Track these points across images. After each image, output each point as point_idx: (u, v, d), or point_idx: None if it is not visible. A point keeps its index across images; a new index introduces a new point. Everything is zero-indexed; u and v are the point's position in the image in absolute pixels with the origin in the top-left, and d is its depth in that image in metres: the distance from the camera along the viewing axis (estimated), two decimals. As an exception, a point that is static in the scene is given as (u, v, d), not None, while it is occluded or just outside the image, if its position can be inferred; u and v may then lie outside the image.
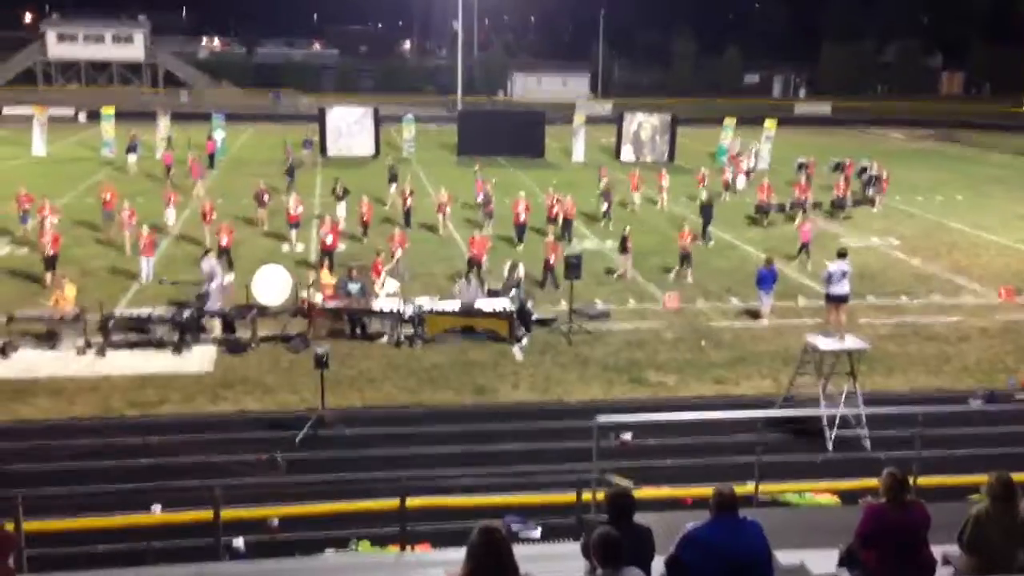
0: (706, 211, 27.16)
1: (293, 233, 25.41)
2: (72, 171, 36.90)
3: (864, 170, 35.38)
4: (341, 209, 27.79)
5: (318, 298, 18.35)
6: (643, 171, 34.76)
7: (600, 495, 10.27)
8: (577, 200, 28.20)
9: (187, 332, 17.11)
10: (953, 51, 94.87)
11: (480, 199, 28.56)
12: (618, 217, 28.61)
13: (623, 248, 22.47)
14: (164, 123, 43.73)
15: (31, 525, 9.94)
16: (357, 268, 19.44)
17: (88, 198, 31.62)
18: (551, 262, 21.23)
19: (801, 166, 36.83)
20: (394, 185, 31.06)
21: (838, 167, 36.77)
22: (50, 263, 20.90)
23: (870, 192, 33.54)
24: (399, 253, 21.73)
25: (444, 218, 27.21)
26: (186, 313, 17.32)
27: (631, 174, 32.76)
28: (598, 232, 27.65)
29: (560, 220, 26.27)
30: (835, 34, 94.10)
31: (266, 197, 27.79)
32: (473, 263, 21.43)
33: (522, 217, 25.39)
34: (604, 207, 28.86)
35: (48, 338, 17.16)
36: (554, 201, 26.90)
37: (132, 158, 37.67)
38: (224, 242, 22.21)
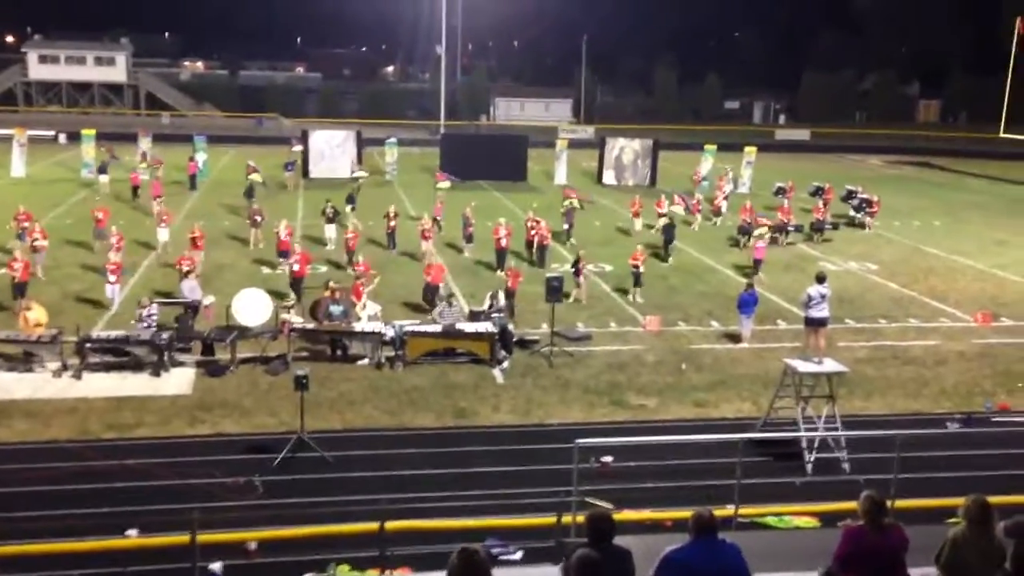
0: (668, 231, 28.05)
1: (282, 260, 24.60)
2: (51, 192, 36.68)
3: (851, 194, 35.96)
4: (331, 230, 27.91)
5: (296, 320, 18.35)
6: (631, 195, 34.99)
7: (580, 518, 10.28)
8: (553, 224, 28.38)
9: (165, 354, 16.99)
10: (930, 80, 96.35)
11: (439, 217, 28.91)
12: (606, 240, 28.73)
13: (576, 272, 22.55)
14: (145, 144, 43.59)
15: (5, 549, 9.82)
16: (339, 290, 19.40)
17: (67, 219, 31.44)
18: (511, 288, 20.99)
19: (780, 190, 37.35)
20: (350, 207, 31.10)
21: (817, 191, 37.16)
22: (19, 289, 20.22)
23: (860, 216, 34.46)
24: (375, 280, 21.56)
25: (428, 243, 26.96)
26: (164, 335, 17.22)
27: (632, 201, 33.05)
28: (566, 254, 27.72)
29: (535, 244, 26.37)
30: (815, 63, 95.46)
31: (259, 218, 27.83)
32: (430, 289, 20.99)
33: (503, 242, 25.39)
34: (565, 227, 29.57)
35: (24, 360, 16.99)
36: (531, 224, 26.98)
37: (104, 179, 37.69)
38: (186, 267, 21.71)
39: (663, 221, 29.13)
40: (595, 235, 31.01)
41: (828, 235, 31.61)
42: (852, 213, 35.07)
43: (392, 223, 27.71)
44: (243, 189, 34.52)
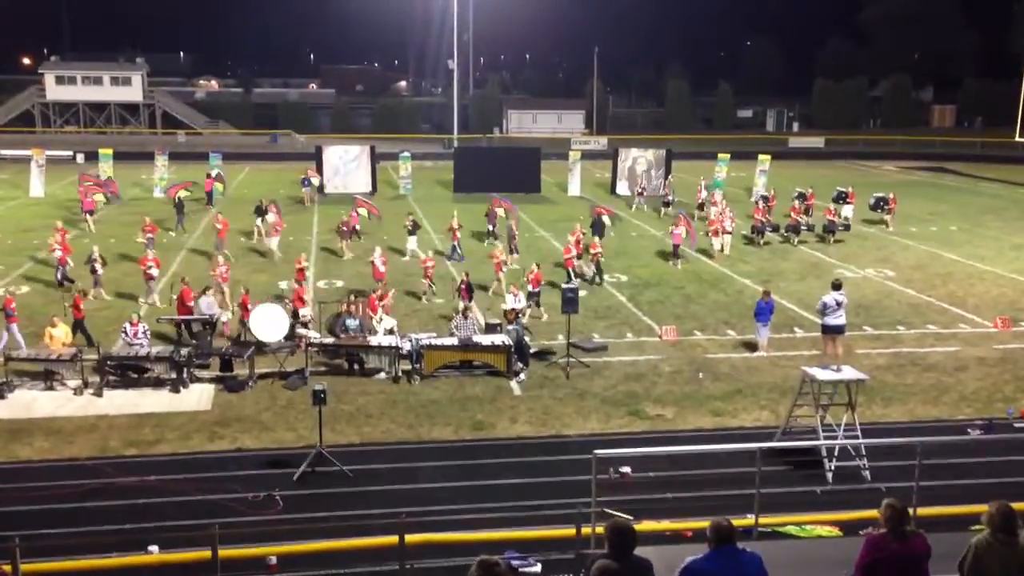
0: (596, 227, 29.50)
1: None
2: (70, 212, 36.94)
3: (879, 202, 36.88)
4: (412, 243, 28.52)
5: (313, 335, 18.47)
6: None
7: (600, 529, 10.25)
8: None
9: (184, 370, 17.09)
10: (945, 85, 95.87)
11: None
12: (620, 251, 28.67)
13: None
14: (161, 163, 43.98)
15: (28, 567, 9.89)
16: (355, 304, 19.49)
17: (85, 239, 31.69)
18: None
19: (841, 195, 37.08)
20: (259, 219, 31.35)
21: (800, 196, 37.29)
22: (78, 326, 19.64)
23: (879, 214, 36.13)
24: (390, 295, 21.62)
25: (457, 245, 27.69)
26: (183, 352, 17.33)
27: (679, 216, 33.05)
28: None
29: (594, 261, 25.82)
30: (827, 70, 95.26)
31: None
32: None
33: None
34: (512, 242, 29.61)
35: (45, 378, 17.13)
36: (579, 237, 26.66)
37: (99, 197, 38.68)
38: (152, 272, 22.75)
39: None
40: (609, 245, 30.96)
41: (840, 235, 32.25)
42: (874, 211, 36.42)
43: (457, 234, 28.57)
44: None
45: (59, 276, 24.11)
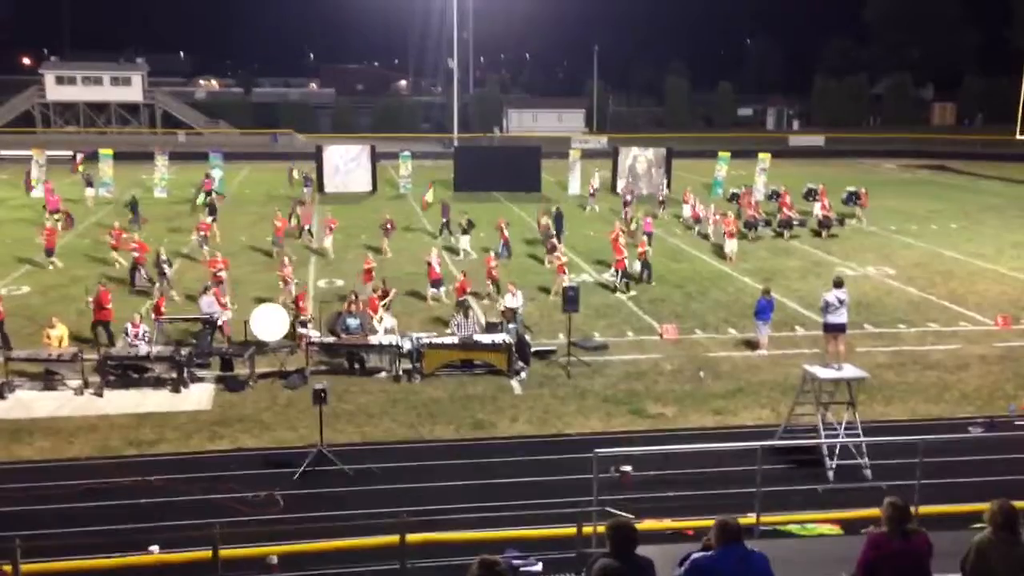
0: (557, 219, 30.30)
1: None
2: (70, 211, 36.90)
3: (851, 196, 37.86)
4: (464, 242, 28.61)
5: (314, 334, 18.47)
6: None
7: (601, 528, 10.24)
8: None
9: (184, 370, 17.09)
10: (945, 83, 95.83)
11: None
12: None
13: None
14: (162, 163, 43.96)
15: (29, 567, 9.88)
16: (355, 303, 19.47)
17: (86, 239, 31.72)
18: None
19: (810, 192, 37.93)
20: (212, 218, 31.43)
21: (774, 194, 38.29)
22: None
23: (850, 207, 36.73)
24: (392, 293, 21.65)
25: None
26: (184, 351, 17.32)
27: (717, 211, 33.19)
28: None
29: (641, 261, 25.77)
30: (827, 68, 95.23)
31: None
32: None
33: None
34: (443, 221, 31.00)
35: (46, 378, 17.12)
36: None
37: (90, 192, 39.35)
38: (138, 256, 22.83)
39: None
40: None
41: (834, 230, 33.11)
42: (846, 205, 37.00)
43: (506, 232, 28.72)
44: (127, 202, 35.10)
45: (136, 277, 24.06)
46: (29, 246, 29.48)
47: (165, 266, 23.45)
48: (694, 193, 37.37)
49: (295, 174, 42.51)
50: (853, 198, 36.93)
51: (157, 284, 23.35)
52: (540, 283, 24.78)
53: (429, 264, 23.18)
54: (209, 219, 30.77)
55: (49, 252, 27.06)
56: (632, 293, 24.16)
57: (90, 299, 19.46)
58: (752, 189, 39.41)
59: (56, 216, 32.55)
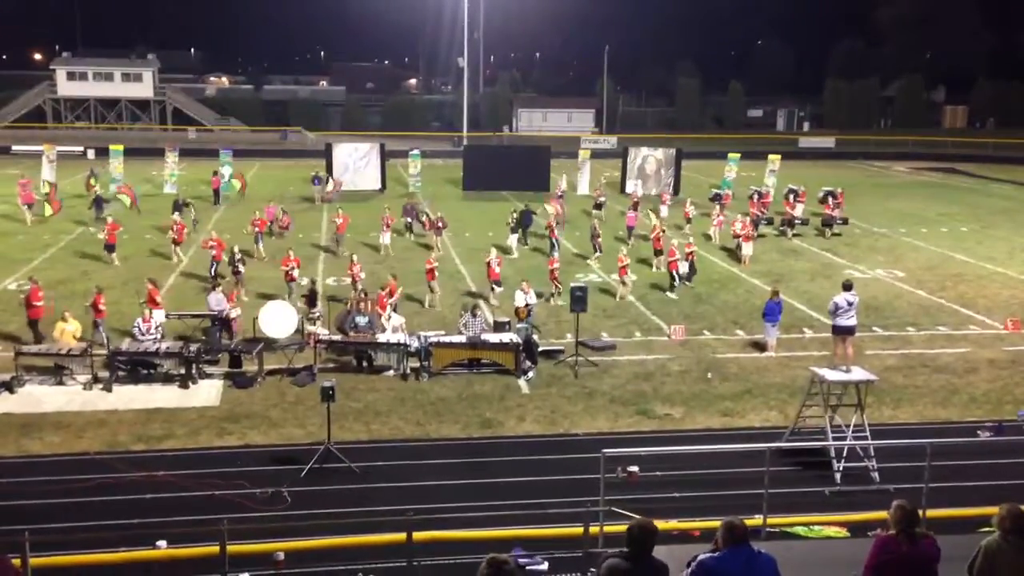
0: (525, 216, 30.99)
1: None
2: (81, 207, 37.07)
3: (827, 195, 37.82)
4: (513, 240, 28.73)
5: (322, 331, 18.50)
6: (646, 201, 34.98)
7: (608, 528, 10.25)
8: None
9: (193, 366, 17.14)
10: (956, 86, 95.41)
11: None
12: (630, 250, 28.66)
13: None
14: (172, 159, 44.10)
15: (37, 560, 9.93)
16: (364, 301, 19.50)
17: (99, 233, 31.83)
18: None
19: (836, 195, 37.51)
20: (177, 215, 31.22)
21: (757, 193, 38.30)
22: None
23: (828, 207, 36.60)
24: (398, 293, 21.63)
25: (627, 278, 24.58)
26: (192, 347, 17.37)
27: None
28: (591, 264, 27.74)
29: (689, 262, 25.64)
30: (838, 70, 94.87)
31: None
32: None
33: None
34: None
35: (55, 372, 17.20)
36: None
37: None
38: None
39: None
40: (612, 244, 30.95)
41: (838, 229, 33.46)
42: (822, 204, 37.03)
43: (555, 231, 28.86)
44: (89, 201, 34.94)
45: (213, 272, 24.31)
46: (35, 244, 29.61)
47: (240, 265, 23.55)
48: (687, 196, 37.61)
49: (93, 181, 38.78)
50: (830, 197, 36.85)
51: (226, 279, 23.41)
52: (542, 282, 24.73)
53: (488, 265, 23.24)
54: (175, 216, 30.66)
55: (110, 248, 26.99)
56: (668, 294, 24.18)
57: (142, 300, 19.58)
58: (756, 191, 39.18)
59: (33, 209, 33.22)
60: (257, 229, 28.45)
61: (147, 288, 19.76)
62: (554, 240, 28.20)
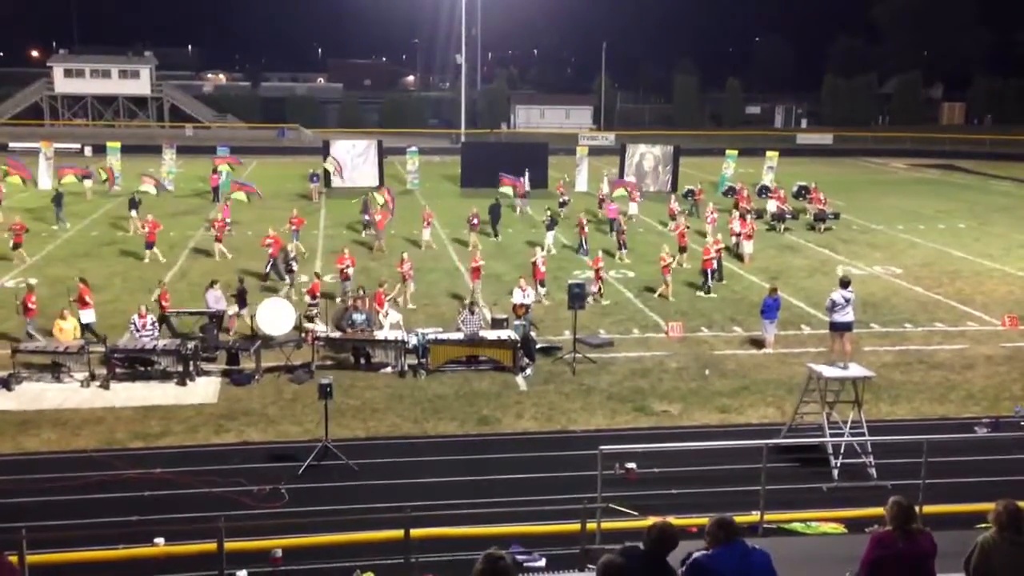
0: (493, 211, 31.58)
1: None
2: (78, 204, 37.05)
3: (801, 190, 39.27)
4: (549, 238, 28.71)
5: (320, 328, 18.48)
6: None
7: (605, 524, 10.26)
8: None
9: (191, 363, 17.12)
10: (955, 83, 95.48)
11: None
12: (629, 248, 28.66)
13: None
14: (169, 156, 44.04)
15: (34, 558, 9.92)
16: (361, 298, 19.49)
17: (94, 231, 31.81)
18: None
19: (809, 190, 38.31)
20: (135, 212, 31.19)
21: (763, 191, 39.48)
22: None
23: (801, 202, 37.82)
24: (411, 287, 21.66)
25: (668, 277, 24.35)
26: (190, 345, 17.36)
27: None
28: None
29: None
30: (836, 66, 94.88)
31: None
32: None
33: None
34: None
35: (52, 370, 17.18)
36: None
37: (88, 183, 39.91)
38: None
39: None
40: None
41: (829, 224, 33.91)
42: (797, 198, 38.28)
43: (585, 229, 29.15)
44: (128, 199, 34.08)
45: (272, 270, 24.27)
46: (38, 240, 29.57)
47: (293, 263, 23.54)
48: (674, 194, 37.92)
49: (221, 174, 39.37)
50: (803, 192, 38.05)
51: (287, 280, 23.51)
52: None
53: (534, 264, 23.18)
54: (132, 213, 30.40)
55: (149, 245, 27.05)
56: (700, 293, 24.12)
57: (72, 298, 19.32)
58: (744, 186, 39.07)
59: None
60: (294, 226, 28.34)
61: (77, 287, 19.46)
62: (584, 239, 28.62)
